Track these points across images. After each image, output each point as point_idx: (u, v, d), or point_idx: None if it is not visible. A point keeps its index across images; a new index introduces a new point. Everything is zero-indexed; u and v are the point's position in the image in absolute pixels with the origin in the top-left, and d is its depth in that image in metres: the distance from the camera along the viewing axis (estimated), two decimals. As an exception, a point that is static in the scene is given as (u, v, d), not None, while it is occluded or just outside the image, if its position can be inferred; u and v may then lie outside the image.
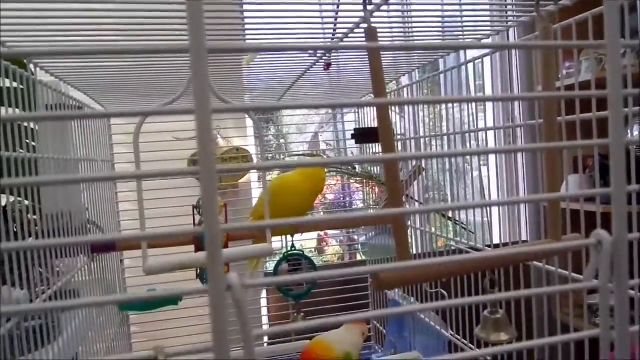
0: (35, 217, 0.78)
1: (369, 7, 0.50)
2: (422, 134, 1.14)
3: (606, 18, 0.26)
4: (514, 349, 0.26)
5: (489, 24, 0.76)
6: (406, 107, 1.58)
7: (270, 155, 1.75)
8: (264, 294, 1.47)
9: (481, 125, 0.91)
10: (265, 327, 1.43)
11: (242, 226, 0.22)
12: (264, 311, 1.47)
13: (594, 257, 0.27)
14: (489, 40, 0.82)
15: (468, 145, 0.97)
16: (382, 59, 0.94)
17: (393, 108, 1.52)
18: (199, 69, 0.19)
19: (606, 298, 0.27)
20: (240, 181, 1.45)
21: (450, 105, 1.00)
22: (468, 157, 1.16)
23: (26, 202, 0.76)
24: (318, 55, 0.80)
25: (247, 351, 0.22)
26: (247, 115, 1.27)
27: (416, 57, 0.98)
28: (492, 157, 0.95)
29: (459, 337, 0.99)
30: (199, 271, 1.02)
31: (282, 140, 1.78)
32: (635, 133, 1.67)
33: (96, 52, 0.24)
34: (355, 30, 0.67)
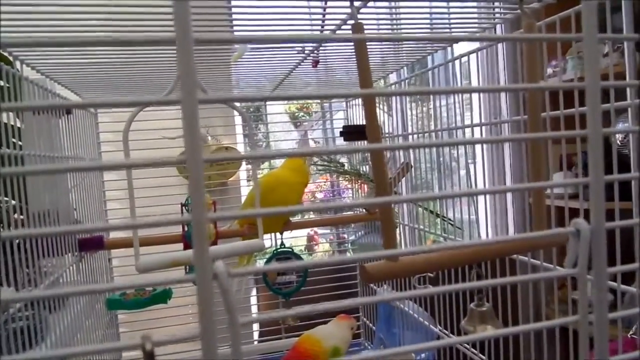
0: (22, 217, 0.77)
1: (356, 4, 0.51)
2: (410, 132, 1.15)
3: (583, 13, 0.26)
4: (490, 336, 0.27)
5: (475, 21, 0.77)
6: (394, 106, 1.59)
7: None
8: (254, 292, 1.47)
9: (471, 121, 0.92)
10: (255, 325, 1.44)
11: (230, 215, 0.22)
12: (254, 309, 1.47)
13: (573, 246, 0.27)
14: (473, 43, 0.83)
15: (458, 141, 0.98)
16: (370, 56, 0.95)
17: (381, 107, 1.52)
18: (185, 59, 0.19)
19: (584, 285, 0.27)
20: (229, 179, 1.45)
21: (438, 104, 1.01)
22: (456, 156, 1.17)
23: (13, 202, 0.75)
24: (306, 52, 0.80)
25: (234, 337, 0.22)
26: (235, 113, 1.27)
27: (404, 55, 0.99)
28: (479, 156, 0.96)
29: (447, 332, 1.00)
30: (188, 269, 1.02)
31: (271, 139, 1.77)
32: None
33: (82, 44, 0.24)
34: (343, 27, 0.68)
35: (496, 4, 0.70)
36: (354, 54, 0.49)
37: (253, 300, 1.47)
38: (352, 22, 0.50)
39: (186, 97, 0.19)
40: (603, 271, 0.28)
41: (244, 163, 1.42)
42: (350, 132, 1.01)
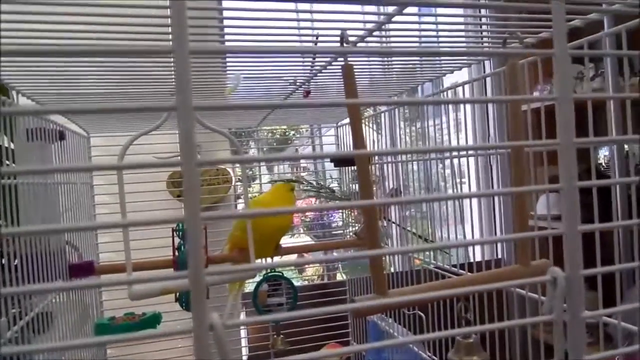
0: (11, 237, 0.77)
1: (346, 45, 0.53)
2: (400, 157, 1.17)
3: (556, 74, 0.28)
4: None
5: (464, 57, 0.79)
6: (383, 125, 1.61)
7: (250, 172, 1.75)
8: (243, 316, 1.47)
9: (457, 144, 0.95)
10: (244, 350, 1.43)
11: (229, 270, 0.23)
12: (243, 333, 1.46)
13: (550, 293, 0.29)
14: (462, 71, 0.86)
15: (446, 162, 1.01)
16: (362, 85, 0.97)
17: (371, 126, 1.54)
18: (182, 68, 0.20)
19: (560, 331, 0.29)
20: (218, 203, 1.45)
21: (427, 124, 1.03)
22: (446, 176, 1.19)
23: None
24: (298, 83, 0.82)
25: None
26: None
27: (395, 84, 1.01)
28: (467, 176, 0.98)
29: (435, 357, 1.00)
30: (178, 294, 1.02)
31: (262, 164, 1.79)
32: (606, 154, 1.74)
33: (80, 53, 0.24)
34: (333, 63, 0.70)
35: (484, 41, 0.73)
36: (343, 85, 0.51)
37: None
38: (342, 59, 0.52)
39: (187, 164, 0.21)
40: (579, 317, 0.29)
41: (232, 186, 1.43)
42: (340, 160, 1.03)
